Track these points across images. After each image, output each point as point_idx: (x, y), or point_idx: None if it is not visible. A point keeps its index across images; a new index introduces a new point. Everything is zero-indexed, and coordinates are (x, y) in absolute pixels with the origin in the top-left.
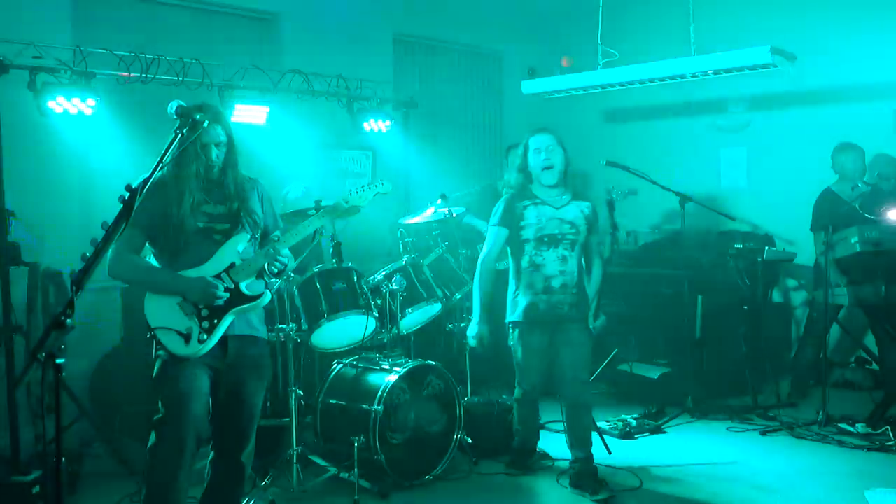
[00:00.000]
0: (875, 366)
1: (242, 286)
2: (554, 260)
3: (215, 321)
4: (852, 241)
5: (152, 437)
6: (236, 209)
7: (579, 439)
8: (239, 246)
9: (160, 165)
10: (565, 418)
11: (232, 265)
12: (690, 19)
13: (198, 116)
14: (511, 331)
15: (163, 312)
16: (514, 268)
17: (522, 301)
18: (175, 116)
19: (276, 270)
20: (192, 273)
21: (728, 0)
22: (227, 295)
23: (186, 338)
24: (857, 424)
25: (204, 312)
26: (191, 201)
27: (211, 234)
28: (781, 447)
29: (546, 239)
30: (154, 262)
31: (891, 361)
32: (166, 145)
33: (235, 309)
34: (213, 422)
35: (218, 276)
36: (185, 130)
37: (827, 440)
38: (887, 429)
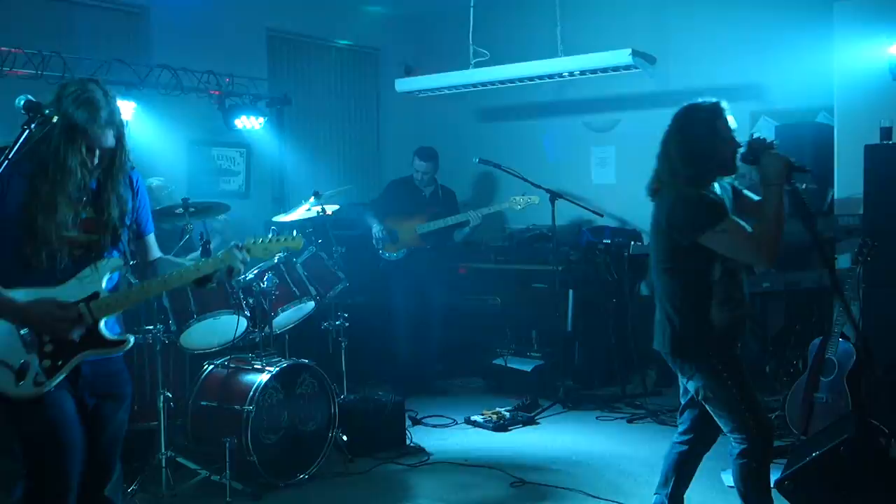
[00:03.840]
0: None
1: (103, 325)
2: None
3: (59, 363)
4: None
5: (20, 490)
6: (108, 217)
7: None
8: (108, 272)
9: (4, 160)
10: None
11: (95, 295)
12: (557, 22)
13: (47, 111)
14: (712, 366)
15: None
16: (700, 276)
17: (719, 319)
18: (23, 111)
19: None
20: (43, 293)
21: (595, 4)
22: (80, 332)
23: (19, 374)
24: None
25: (48, 347)
26: (68, 211)
27: (72, 246)
28: (647, 434)
29: None
30: None
31: (748, 351)
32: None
33: (89, 353)
34: None
35: (76, 305)
36: (33, 126)
37: None
38: None
